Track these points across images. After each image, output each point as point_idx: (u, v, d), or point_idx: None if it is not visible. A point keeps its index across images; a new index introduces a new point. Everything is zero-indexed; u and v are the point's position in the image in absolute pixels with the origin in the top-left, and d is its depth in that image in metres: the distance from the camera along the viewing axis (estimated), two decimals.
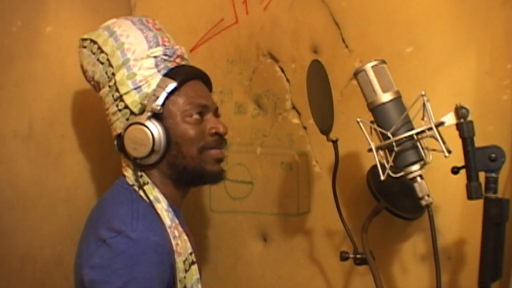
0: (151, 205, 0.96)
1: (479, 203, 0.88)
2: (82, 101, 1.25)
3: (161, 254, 0.92)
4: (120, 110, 1.00)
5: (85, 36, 1.06)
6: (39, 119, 1.14)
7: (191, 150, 1.01)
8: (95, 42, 1.04)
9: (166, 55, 1.02)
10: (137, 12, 1.46)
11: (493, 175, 0.87)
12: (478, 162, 0.86)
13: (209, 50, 1.40)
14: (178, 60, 1.04)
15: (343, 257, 1.09)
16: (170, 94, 0.99)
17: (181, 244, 0.98)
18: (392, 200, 1.11)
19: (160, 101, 0.97)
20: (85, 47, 1.05)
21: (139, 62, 1.00)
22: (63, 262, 1.18)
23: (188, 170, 1.02)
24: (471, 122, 0.87)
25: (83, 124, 1.26)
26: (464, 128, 0.87)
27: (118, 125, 1.02)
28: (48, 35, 1.17)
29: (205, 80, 1.09)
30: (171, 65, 1.02)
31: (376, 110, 0.92)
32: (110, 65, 1.01)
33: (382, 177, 0.92)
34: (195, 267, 1.02)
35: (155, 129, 0.97)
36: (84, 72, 1.07)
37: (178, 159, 1.01)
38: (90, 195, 1.29)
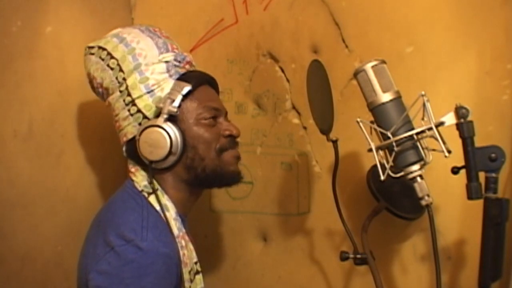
0: (162, 212, 0.95)
1: (479, 203, 0.88)
2: (82, 101, 1.25)
3: (170, 265, 0.91)
4: (132, 115, 1.00)
5: (92, 44, 1.06)
6: (39, 119, 1.14)
7: (209, 153, 1.01)
8: (103, 49, 1.03)
9: (177, 60, 1.02)
10: (137, 12, 1.45)
11: (493, 175, 0.87)
12: (478, 162, 0.86)
13: (209, 50, 1.40)
14: (187, 66, 1.04)
15: (343, 257, 1.09)
16: (184, 98, 0.99)
17: (187, 254, 0.97)
18: (392, 200, 1.11)
19: (176, 103, 0.97)
20: (92, 54, 1.04)
21: (151, 67, 1.00)
22: (63, 262, 1.18)
23: (208, 172, 1.01)
24: (471, 122, 0.87)
25: (83, 124, 1.26)
26: (464, 128, 0.86)
27: (130, 130, 1.01)
28: (48, 35, 1.17)
29: (214, 85, 1.10)
30: (181, 71, 1.03)
31: (376, 110, 0.92)
32: (121, 70, 1.00)
33: (382, 177, 0.92)
34: (199, 277, 1.02)
35: (171, 131, 0.96)
36: (92, 79, 1.06)
37: (196, 161, 1.00)
38: (90, 195, 1.29)
